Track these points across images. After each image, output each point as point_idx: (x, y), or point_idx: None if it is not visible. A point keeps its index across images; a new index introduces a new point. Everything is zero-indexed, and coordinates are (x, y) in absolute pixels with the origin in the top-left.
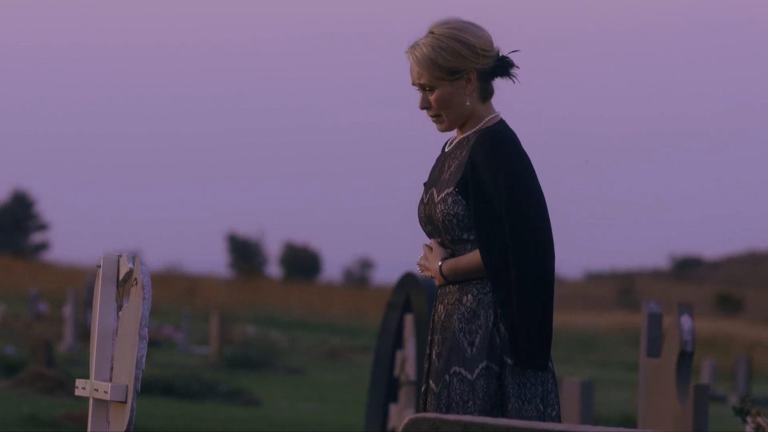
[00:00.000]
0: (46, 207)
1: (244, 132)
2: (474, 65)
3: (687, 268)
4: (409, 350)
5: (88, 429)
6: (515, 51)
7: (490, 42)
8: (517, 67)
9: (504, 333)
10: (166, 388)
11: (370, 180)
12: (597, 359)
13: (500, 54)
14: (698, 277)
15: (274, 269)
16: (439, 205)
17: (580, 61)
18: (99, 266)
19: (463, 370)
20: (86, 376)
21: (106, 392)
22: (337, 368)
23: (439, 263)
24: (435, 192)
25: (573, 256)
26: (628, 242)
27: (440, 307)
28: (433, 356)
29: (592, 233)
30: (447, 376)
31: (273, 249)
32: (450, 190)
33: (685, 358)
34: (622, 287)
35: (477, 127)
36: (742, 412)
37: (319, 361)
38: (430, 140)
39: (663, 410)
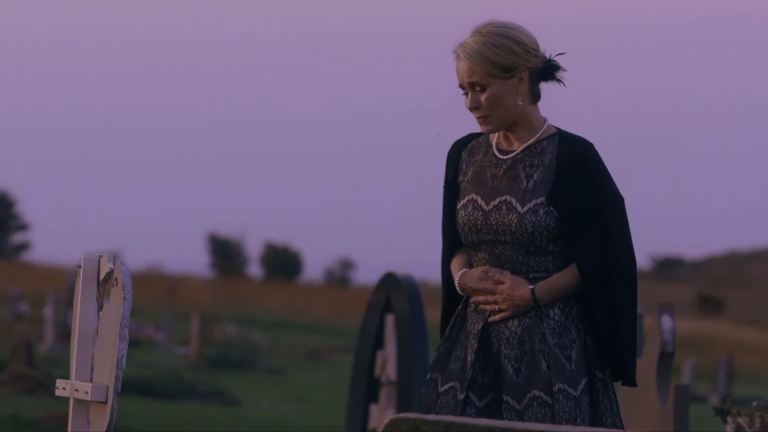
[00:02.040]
0: (27, 207)
1: (224, 132)
2: (526, 63)
3: (668, 268)
4: (390, 350)
5: (69, 429)
6: (562, 53)
7: (538, 43)
8: (564, 70)
9: (591, 346)
10: (147, 389)
11: (351, 180)
12: None
13: (548, 56)
14: (679, 277)
15: (255, 269)
16: (528, 216)
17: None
18: (79, 266)
19: (567, 387)
20: (67, 377)
21: (86, 392)
22: (317, 368)
23: (531, 287)
24: (515, 201)
25: None
26: None
27: (510, 322)
28: (510, 371)
29: None
30: (543, 393)
31: (254, 249)
32: (540, 200)
33: (666, 359)
34: None
35: (540, 132)
36: (722, 413)
37: (299, 361)
38: (411, 141)
39: (643, 410)
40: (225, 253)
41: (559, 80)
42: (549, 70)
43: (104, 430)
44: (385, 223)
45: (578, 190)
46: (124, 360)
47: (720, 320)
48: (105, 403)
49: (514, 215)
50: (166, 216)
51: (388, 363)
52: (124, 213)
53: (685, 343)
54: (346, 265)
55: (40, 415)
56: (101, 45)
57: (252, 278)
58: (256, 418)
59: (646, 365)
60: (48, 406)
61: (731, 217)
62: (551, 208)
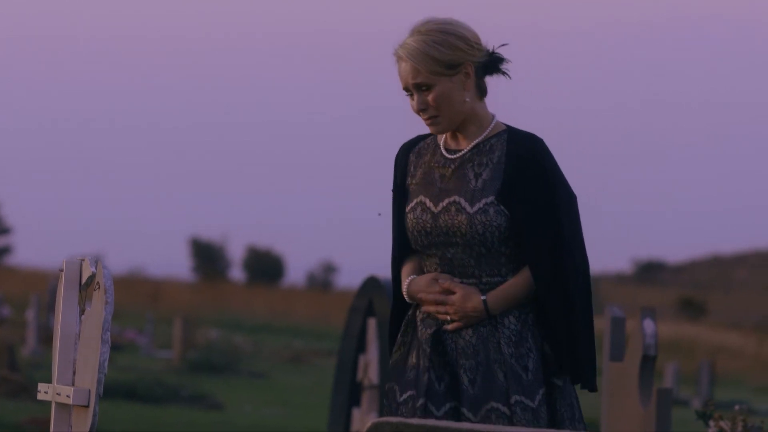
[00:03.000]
0: (9, 210)
1: (206, 134)
2: (471, 58)
3: (650, 272)
4: (372, 354)
5: None
6: (504, 44)
7: (479, 36)
8: (509, 62)
9: (549, 353)
10: (129, 392)
11: (334, 183)
12: None
13: (490, 49)
14: (662, 281)
15: (237, 273)
16: (478, 216)
17: (541, 62)
18: (62, 270)
19: (524, 399)
20: (49, 380)
21: (68, 396)
22: (300, 372)
23: (482, 298)
24: (464, 201)
25: None
26: (592, 246)
27: (464, 331)
28: (465, 382)
29: None
30: (501, 405)
31: (236, 253)
32: (490, 199)
33: (648, 362)
34: None
35: (489, 130)
36: (705, 416)
37: (282, 365)
38: (392, 143)
39: (626, 414)
40: (207, 256)
41: (504, 73)
42: (493, 63)
43: None
44: (368, 227)
45: (529, 187)
46: (106, 364)
47: (702, 324)
48: (87, 407)
49: (464, 216)
50: (149, 219)
51: (370, 367)
52: (106, 216)
53: (668, 347)
54: (329, 268)
55: (22, 419)
56: (84, 46)
57: (234, 282)
58: (239, 422)
59: (628, 369)
60: (30, 410)
61: (714, 221)
62: (501, 207)
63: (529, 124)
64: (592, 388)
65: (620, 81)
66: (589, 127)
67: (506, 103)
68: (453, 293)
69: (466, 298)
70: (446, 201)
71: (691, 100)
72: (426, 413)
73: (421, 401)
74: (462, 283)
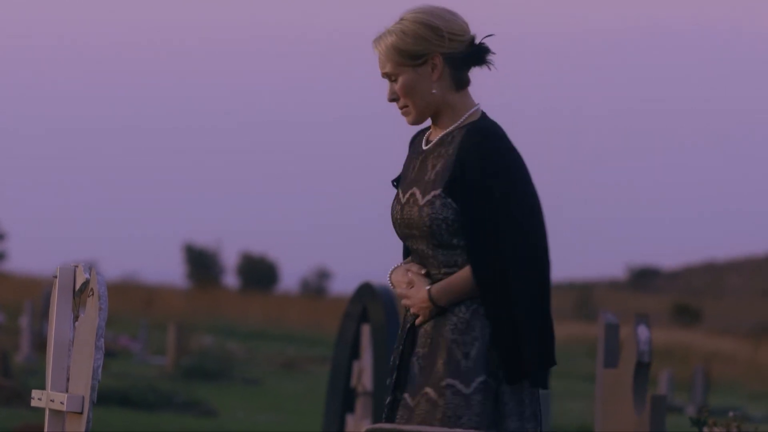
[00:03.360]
0: (2, 217)
1: (200, 140)
2: (438, 49)
3: (644, 278)
4: (366, 361)
5: None
6: (489, 35)
7: (462, 27)
8: (493, 53)
9: (502, 348)
10: (123, 399)
11: (327, 190)
12: (554, 370)
13: (475, 40)
14: (656, 287)
15: (231, 279)
16: (425, 209)
17: (532, 71)
18: (55, 277)
19: (458, 383)
20: (43, 387)
21: (62, 403)
22: (294, 378)
23: (427, 288)
24: (418, 193)
25: None
26: (586, 253)
27: (426, 323)
28: (415, 369)
29: (549, 243)
30: (431, 390)
31: (230, 259)
32: (438, 192)
33: (642, 369)
34: (580, 298)
35: (459, 122)
36: (699, 423)
37: (276, 371)
38: (387, 148)
39: (620, 421)
40: (201, 263)
41: (486, 63)
42: (474, 54)
43: None
44: (362, 233)
45: (470, 179)
46: (100, 370)
47: (697, 330)
48: (81, 413)
49: (416, 208)
50: (143, 226)
51: (364, 373)
52: (100, 223)
53: (662, 354)
54: (323, 275)
55: (15, 425)
56: (78, 52)
57: (228, 288)
58: (233, 428)
59: (622, 375)
60: (24, 417)
61: (708, 227)
62: (449, 200)
63: (525, 126)
64: (540, 385)
65: (615, 86)
66: (584, 133)
67: (505, 102)
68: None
69: (417, 290)
70: (408, 192)
71: (686, 105)
72: (393, 406)
73: (389, 397)
74: (428, 274)
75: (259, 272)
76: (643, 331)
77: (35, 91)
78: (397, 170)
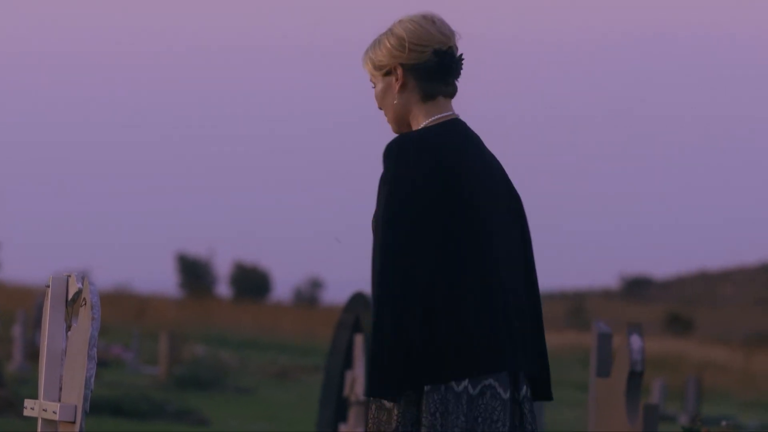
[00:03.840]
0: None
1: (192, 149)
2: (398, 60)
3: (637, 287)
4: (359, 370)
5: None
6: (460, 55)
7: (430, 36)
8: (459, 62)
9: None
10: (115, 408)
11: (321, 199)
12: None
13: (448, 50)
14: (649, 296)
15: (224, 289)
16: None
17: (524, 77)
18: (48, 286)
19: (381, 400)
20: (35, 397)
21: (54, 412)
22: (287, 388)
23: None
24: None
25: None
26: (578, 262)
27: None
28: None
29: (542, 252)
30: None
31: (223, 269)
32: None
33: (635, 378)
34: (573, 307)
35: None
36: None
37: (269, 380)
38: (379, 156)
39: (613, 430)
40: (194, 272)
41: (451, 74)
42: (437, 66)
43: None
44: (355, 242)
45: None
46: (92, 380)
47: (689, 340)
48: (73, 423)
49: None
50: (135, 235)
51: (357, 383)
52: (93, 232)
53: (655, 363)
54: (316, 284)
55: None
56: (69, 60)
57: (221, 298)
58: None
59: (615, 385)
60: (16, 426)
61: (700, 237)
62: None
63: (518, 135)
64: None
65: (607, 94)
66: (577, 141)
67: (497, 111)
68: None
69: None
70: None
71: (679, 114)
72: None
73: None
74: None
75: (251, 282)
76: (635, 341)
77: (28, 100)
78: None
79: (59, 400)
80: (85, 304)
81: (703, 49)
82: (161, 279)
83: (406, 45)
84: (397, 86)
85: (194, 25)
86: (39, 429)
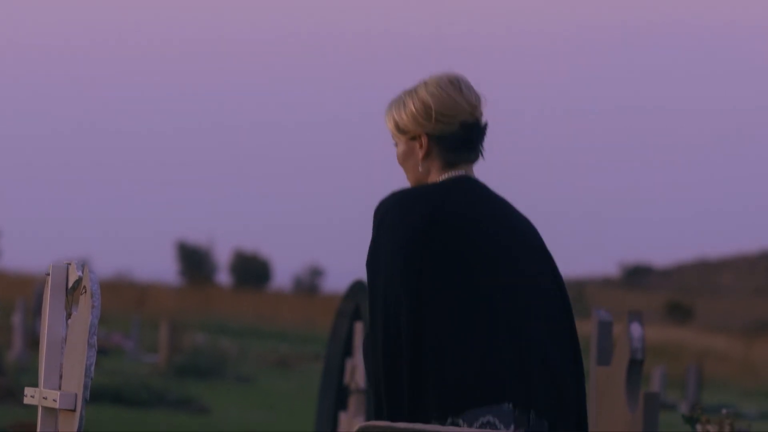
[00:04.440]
0: None
1: (192, 138)
2: (424, 129)
3: (637, 275)
4: (359, 358)
5: None
6: (485, 124)
7: (457, 106)
8: (484, 131)
9: None
10: (115, 396)
11: (320, 187)
12: None
13: (471, 121)
14: (649, 284)
15: (224, 277)
16: None
17: (526, 67)
18: (48, 274)
19: None
20: (35, 385)
21: (55, 400)
22: (287, 376)
23: None
24: None
25: None
26: (578, 250)
27: None
28: None
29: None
30: None
31: (223, 257)
32: None
33: (636, 366)
34: (572, 295)
35: None
36: (692, 420)
37: (269, 369)
38: (380, 146)
39: (613, 418)
40: (194, 260)
41: (475, 149)
42: (461, 138)
43: None
44: (356, 230)
45: None
46: (92, 368)
47: (690, 328)
48: (74, 411)
49: None
50: (135, 223)
51: (357, 371)
52: (92, 220)
53: (655, 351)
54: (316, 272)
55: (8, 423)
56: (70, 49)
57: (221, 286)
58: (225, 426)
59: (615, 373)
60: (16, 415)
61: (701, 225)
62: None
63: (518, 125)
64: None
65: (607, 85)
66: (577, 130)
67: (499, 100)
68: None
69: None
70: None
71: (678, 103)
72: None
73: None
74: None
75: (251, 270)
76: (636, 329)
77: (28, 90)
78: (389, 167)
79: (59, 388)
80: (85, 292)
81: (705, 40)
82: (161, 267)
83: (433, 114)
84: (421, 154)
85: (195, 16)
86: (39, 417)
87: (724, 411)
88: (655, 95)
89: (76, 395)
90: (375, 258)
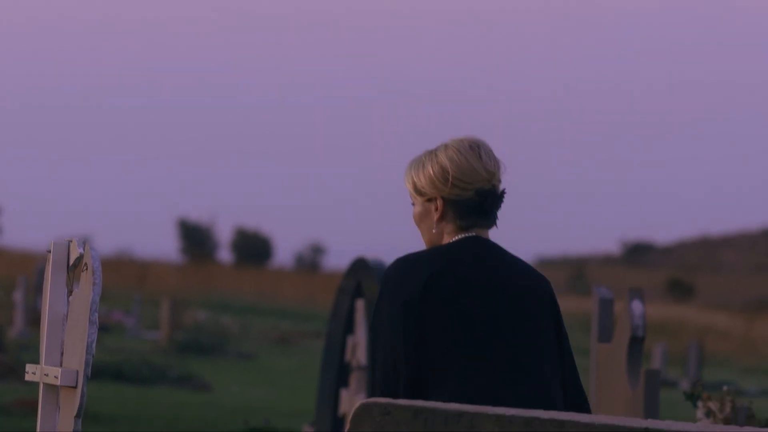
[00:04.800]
0: None
1: (194, 115)
2: (440, 192)
3: (638, 253)
4: (360, 335)
5: (39, 414)
6: (502, 191)
7: (474, 173)
8: (501, 199)
9: None
10: (117, 373)
11: (322, 163)
12: None
13: (487, 188)
14: (650, 262)
15: (225, 254)
16: None
17: (531, 41)
18: (49, 251)
19: None
20: (37, 362)
21: (56, 377)
22: (288, 353)
23: None
24: None
25: (524, 240)
26: (580, 227)
27: None
28: None
29: (544, 217)
30: None
31: (224, 234)
32: None
33: (636, 343)
34: (574, 273)
35: None
36: (693, 397)
37: (270, 346)
38: (381, 126)
39: (614, 395)
40: (195, 238)
41: (488, 215)
42: (478, 207)
43: (74, 414)
44: (357, 208)
45: None
46: (94, 345)
47: (690, 305)
48: (75, 387)
49: None
50: (136, 201)
51: (358, 348)
52: (94, 197)
53: (656, 328)
54: (317, 250)
55: (9, 400)
56: (71, 25)
57: (222, 263)
58: (226, 402)
59: (616, 350)
60: (17, 392)
61: (702, 203)
62: None
63: (521, 102)
64: None
65: (610, 62)
66: (579, 108)
67: (507, 77)
68: None
69: None
70: None
71: (680, 81)
72: None
73: None
74: None
75: (253, 247)
76: (637, 306)
77: (30, 67)
78: (390, 148)
79: (61, 365)
80: (87, 269)
81: (710, 15)
82: (162, 244)
83: (450, 179)
84: (436, 216)
85: None
86: (40, 394)
87: (725, 388)
88: (656, 70)
89: (77, 372)
90: (376, 325)
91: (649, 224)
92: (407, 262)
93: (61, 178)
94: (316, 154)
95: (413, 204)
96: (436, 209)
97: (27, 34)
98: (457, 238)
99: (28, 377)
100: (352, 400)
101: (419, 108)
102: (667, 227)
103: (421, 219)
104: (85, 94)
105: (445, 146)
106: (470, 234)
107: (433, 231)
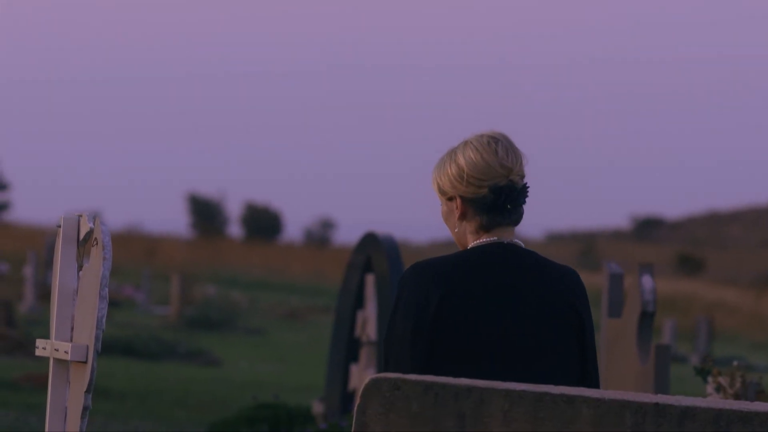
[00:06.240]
0: (6, 167)
1: (204, 90)
2: (457, 191)
3: (648, 228)
4: (370, 310)
5: (49, 389)
6: (526, 187)
7: (489, 170)
8: (521, 193)
9: None
10: (127, 348)
11: (332, 140)
12: None
13: (502, 184)
14: (659, 237)
15: (234, 229)
16: None
17: (543, 12)
18: (59, 226)
19: None
20: (47, 337)
21: (66, 352)
22: (297, 328)
23: None
24: None
25: (534, 216)
26: (589, 202)
27: None
28: None
29: (554, 193)
30: None
31: (234, 209)
32: None
33: (647, 319)
34: (584, 248)
35: None
36: (703, 372)
37: (279, 321)
38: (392, 101)
39: (624, 370)
40: (205, 213)
41: (504, 211)
42: (494, 203)
43: (84, 389)
44: (367, 183)
45: None
46: (104, 320)
47: (700, 280)
48: (85, 362)
49: None
50: (146, 176)
51: (368, 323)
52: (104, 173)
53: (666, 303)
54: (327, 225)
55: (19, 375)
56: (80, 3)
57: (232, 238)
58: (236, 377)
59: (626, 325)
60: (27, 367)
61: (711, 178)
62: None
63: (532, 78)
64: None
65: (618, 37)
66: (587, 84)
67: (515, 56)
68: None
69: None
70: None
71: (689, 56)
72: None
73: None
74: None
75: (262, 222)
76: (647, 281)
77: (39, 42)
78: (400, 121)
79: (71, 340)
80: (97, 244)
81: None
82: (172, 219)
83: (465, 177)
84: (457, 214)
85: None
86: (51, 369)
87: (735, 363)
88: (667, 45)
89: (87, 347)
90: (388, 336)
91: (658, 200)
92: (424, 274)
93: (71, 153)
94: (326, 129)
95: (441, 204)
96: (457, 208)
97: (36, 8)
98: (478, 241)
99: (38, 352)
100: (361, 375)
101: (429, 83)
102: (676, 202)
103: (446, 218)
104: (95, 69)
105: (465, 144)
106: (491, 238)
107: (456, 229)
